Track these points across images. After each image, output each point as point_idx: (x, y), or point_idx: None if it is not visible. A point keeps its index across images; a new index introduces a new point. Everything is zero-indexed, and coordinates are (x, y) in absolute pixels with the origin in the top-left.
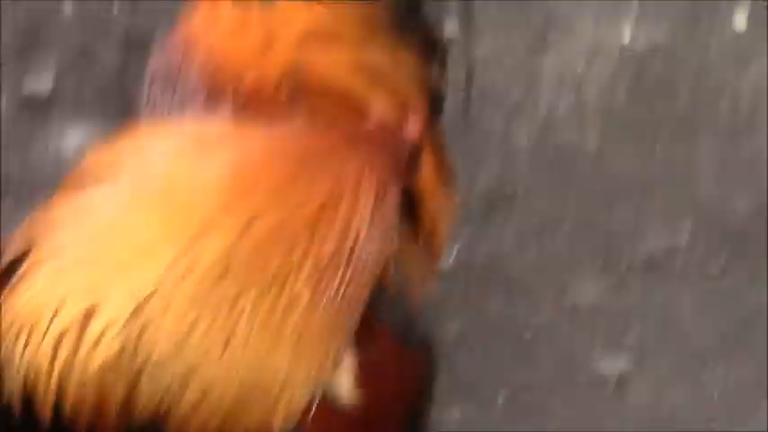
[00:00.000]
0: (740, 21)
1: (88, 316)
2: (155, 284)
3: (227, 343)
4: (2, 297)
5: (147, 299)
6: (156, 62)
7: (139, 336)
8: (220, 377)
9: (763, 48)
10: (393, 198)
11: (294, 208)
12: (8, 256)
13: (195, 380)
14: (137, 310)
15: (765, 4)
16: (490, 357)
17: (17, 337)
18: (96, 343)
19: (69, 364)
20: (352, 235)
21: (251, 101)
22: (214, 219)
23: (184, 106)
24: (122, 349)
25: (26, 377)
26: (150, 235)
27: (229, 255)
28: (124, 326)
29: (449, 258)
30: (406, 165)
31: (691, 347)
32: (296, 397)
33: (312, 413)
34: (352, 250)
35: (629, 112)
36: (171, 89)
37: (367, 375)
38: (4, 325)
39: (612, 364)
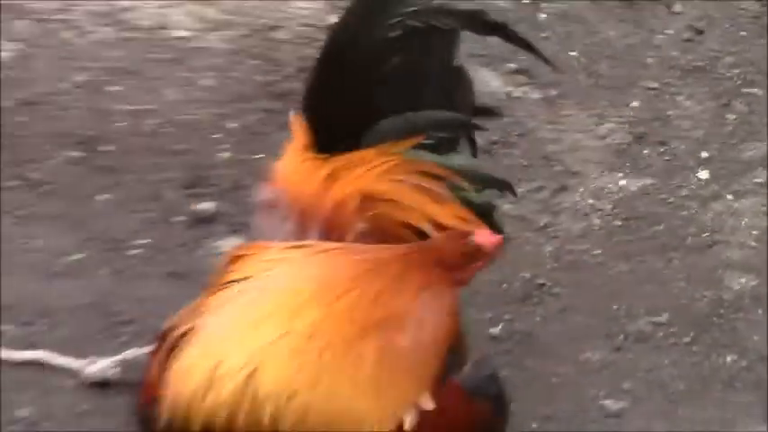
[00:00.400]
0: (703, 173)
1: (215, 368)
2: (261, 347)
3: (313, 385)
4: (176, 354)
5: (254, 356)
6: (261, 195)
7: (247, 380)
8: (310, 409)
9: (720, 192)
10: (451, 293)
11: (362, 297)
12: (180, 330)
13: (289, 410)
14: (247, 363)
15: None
16: (527, 398)
17: (181, 381)
18: (220, 384)
19: (206, 397)
20: (410, 316)
21: (329, 226)
22: (305, 305)
23: (280, 225)
24: (235, 389)
25: (184, 406)
26: (261, 316)
27: (314, 326)
28: (237, 372)
29: (498, 328)
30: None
31: (669, 394)
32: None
33: None
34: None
35: (623, 234)
36: (271, 214)
37: (438, 416)
38: (175, 374)
39: (614, 404)
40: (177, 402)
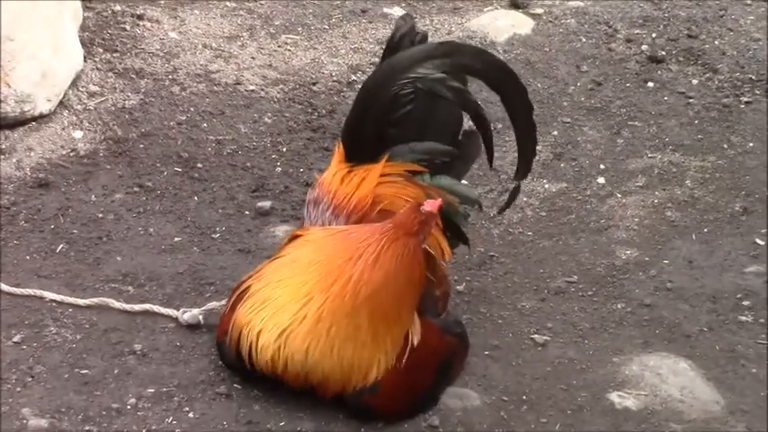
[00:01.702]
0: (601, 180)
1: (259, 335)
2: (286, 327)
3: (327, 353)
4: (236, 308)
5: (285, 329)
6: (310, 194)
7: (281, 346)
8: (330, 370)
9: (613, 192)
10: (417, 250)
11: (351, 279)
12: (240, 290)
13: (313, 371)
14: (280, 335)
15: None
16: (481, 333)
17: (237, 329)
18: (263, 348)
19: (255, 352)
20: (388, 278)
21: (351, 212)
22: (312, 290)
23: (321, 215)
24: (273, 357)
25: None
26: (285, 301)
27: (320, 310)
28: (271, 345)
29: (462, 286)
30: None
31: (578, 330)
32: (372, 366)
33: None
34: (397, 283)
35: (547, 221)
36: (316, 207)
37: (419, 341)
38: (235, 324)
39: (540, 338)
40: (236, 343)
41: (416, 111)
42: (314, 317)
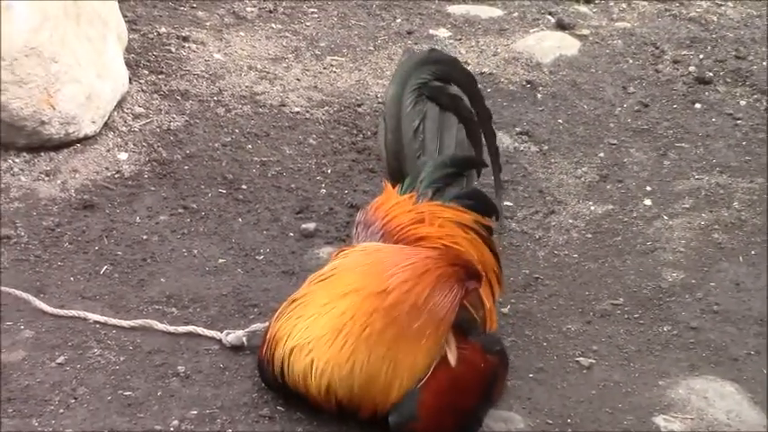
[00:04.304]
0: (648, 201)
1: (293, 348)
2: (320, 330)
3: (352, 367)
4: (275, 325)
5: (316, 338)
6: (359, 217)
7: (312, 358)
8: (353, 383)
9: (659, 214)
10: (460, 290)
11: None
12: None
13: (344, 382)
14: (309, 343)
15: None
16: (526, 356)
17: (272, 347)
18: (293, 361)
19: (286, 367)
20: (428, 301)
21: (398, 239)
22: (355, 292)
23: (370, 237)
24: (307, 364)
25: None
26: (331, 323)
27: (357, 310)
28: (308, 352)
29: (507, 308)
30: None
31: (624, 353)
32: (402, 383)
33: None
34: (427, 308)
35: (593, 243)
36: (366, 229)
37: (464, 363)
38: (272, 339)
39: (585, 361)
40: (274, 361)
41: (431, 122)
42: (344, 321)
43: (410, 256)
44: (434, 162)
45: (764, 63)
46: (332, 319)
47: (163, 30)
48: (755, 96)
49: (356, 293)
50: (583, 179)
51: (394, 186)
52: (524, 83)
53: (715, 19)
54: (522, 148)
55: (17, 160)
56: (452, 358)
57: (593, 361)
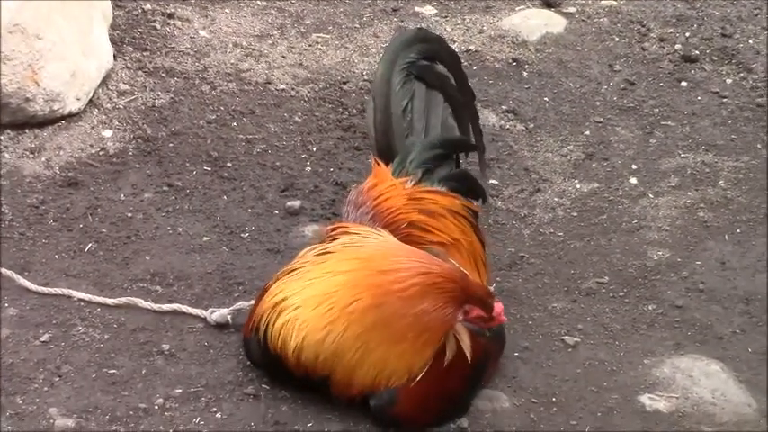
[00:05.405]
0: (633, 180)
1: (281, 301)
2: (313, 290)
3: (330, 328)
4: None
5: (306, 297)
6: (350, 196)
7: (297, 315)
8: (326, 344)
9: (645, 192)
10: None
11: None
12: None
13: (338, 364)
14: (298, 300)
15: None
16: (512, 334)
17: (263, 315)
18: (279, 312)
19: (271, 323)
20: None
21: (388, 221)
22: (359, 260)
23: (360, 218)
24: (289, 319)
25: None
26: (324, 286)
27: (353, 280)
28: (294, 308)
29: (492, 286)
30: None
31: (609, 332)
32: (366, 373)
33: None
34: (415, 312)
35: (578, 222)
36: (356, 210)
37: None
38: (263, 306)
39: (571, 339)
40: (262, 343)
41: (419, 102)
42: (339, 310)
43: (423, 257)
44: (423, 143)
45: (751, 41)
46: (327, 282)
47: (148, 6)
48: (741, 74)
49: (360, 262)
50: (568, 157)
51: (381, 165)
52: (510, 61)
53: None
54: (507, 126)
55: (1, 137)
56: (467, 351)
57: (579, 339)
